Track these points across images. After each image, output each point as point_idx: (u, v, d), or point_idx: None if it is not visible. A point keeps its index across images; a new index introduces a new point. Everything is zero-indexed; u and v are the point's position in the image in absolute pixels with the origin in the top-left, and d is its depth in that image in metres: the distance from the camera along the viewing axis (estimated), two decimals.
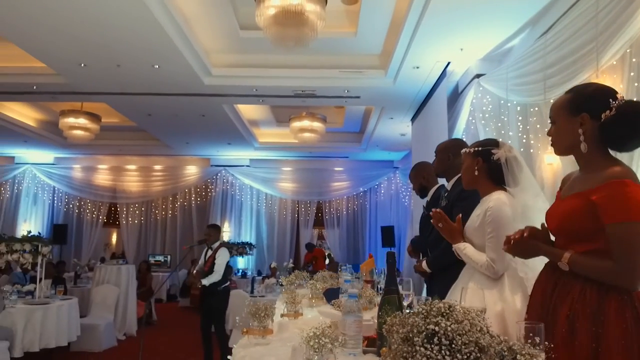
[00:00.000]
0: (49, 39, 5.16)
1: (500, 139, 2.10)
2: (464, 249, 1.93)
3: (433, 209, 2.05)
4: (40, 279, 5.44)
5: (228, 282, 5.14)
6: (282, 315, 1.90)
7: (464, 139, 5.64)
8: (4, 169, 11.71)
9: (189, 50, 5.57)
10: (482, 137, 5.20)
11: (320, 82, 6.48)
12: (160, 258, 11.04)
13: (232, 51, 6.11)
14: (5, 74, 6.42)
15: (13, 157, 11.71)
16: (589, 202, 1.40)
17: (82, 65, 5.83)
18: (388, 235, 10.28)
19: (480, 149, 2.01)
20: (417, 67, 5.79)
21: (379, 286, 2.74)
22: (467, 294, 1.53)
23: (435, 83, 6.27)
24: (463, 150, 2.08)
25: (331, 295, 2.28)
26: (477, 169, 1.98)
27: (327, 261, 11.42)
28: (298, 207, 11.68)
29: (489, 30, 4.78)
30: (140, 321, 7.18)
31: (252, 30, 5.47)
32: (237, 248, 9.94)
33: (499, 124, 4.82)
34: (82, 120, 8.18)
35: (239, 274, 9.97)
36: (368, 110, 8.57)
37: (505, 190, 1.96)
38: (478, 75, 5.32)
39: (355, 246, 11.57)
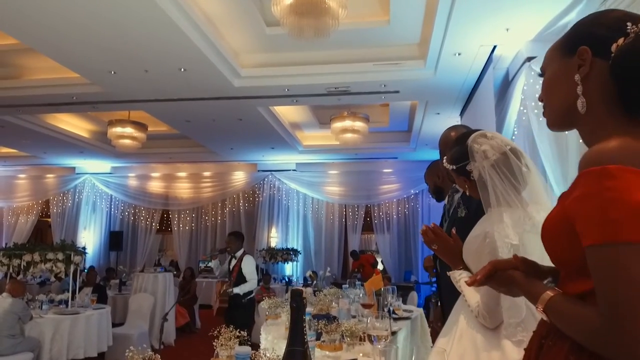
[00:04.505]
0: (77, 49, 5.16)
1: (482, 130, 1.53)
2: (459, 279, 1.43)
3: (424, 225, 1.57)
4: (74, 289, 5.45)
5: (253, 294, 4.85)
6: None
7: (515, 132, 5.00)
8: (66, 179, 12.30)
9: (213, 51, 5.37)
10: (535, 130, 4.52)
11: (354, 77, 6.04)
12: (211, 264, 11.02)
13: (260, 50, 5.83)
14: (46, 86, 6.59)
15: (74, 168, 12.27)
16: (563, 209, 0.86)
17: (112, 72, 5.81)
18: None
19: (455, 167, 1.52)
20: (459, 54, 5.19)
21: (388, 308, 2.29)
22: (456, 338, 1.07)
23: (483, 70, 5.62)
24: (444, 164, 1.60)
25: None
26: (467, 187, 1.53)
27: (380, 267, 10.91)
28: (345, 211, 11.24)
29: (537, 4, 4.12)
30: (179, 330, 7.10)
31: (278, 27, 5.15)
32: (282, 254, 9.68)
33: None
34: (129, 130, 8.29)
35: (283, 281, 9.70)
36: (414, 107, 7.99)
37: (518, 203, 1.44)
38: (529, 59, 4.65)
39: (407, 252, 10.91)
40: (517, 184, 1.44)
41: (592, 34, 0.91)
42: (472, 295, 1.39)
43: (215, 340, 1.31)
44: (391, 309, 2.29)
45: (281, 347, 1.73)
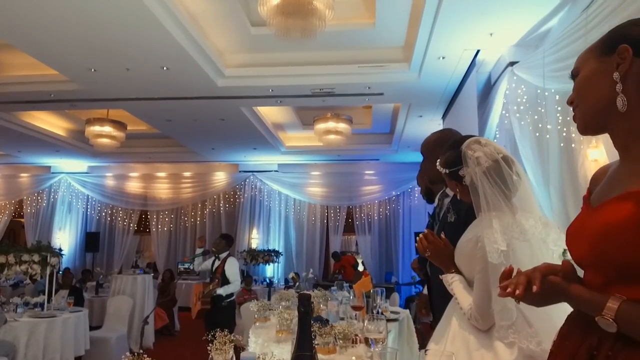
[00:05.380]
0: (56, 45, 5.03)
1: (476, 137, 1.58)
2: (451, 282, 1.44)
3: (419, 235, 1.59)
4: (50, 291, 5.30)
5: (234, 296, 4.81)
6: None
7: (497, 135, 5.08)
8: (41, 179, 11.97)
9: (196, 50, 5.29)
10: (517, 133, 4.60)
11: (339, 79, 6.05)
12: (189, 265, 10.88)
13: (244, 50, 5.79)
14: (23, 83, 6.40)
15: (49, 167, 11.96)
16: None
17: (93, 70, 5.68)
18: None
19: (448, 171, 1.55)
20: (443, 58, 5.25)
21: (377, 310, 2.29)
22: (449, 340, 1.07)
23: (465, 74, 5.69)
24: (437, 167, 1.62)
25: None
26: (458, 191, 1.56)
27: (361, 268, 10.95)
28: (327, 212, 11.23)
29: (520, 10, 4.20)
30: (158, 332, 6.99)
31: (264, 27, 5.12)
32: (263, 256, 9.62)
33: (536, 117, 4.22)
34: (108, 129, 8.12)
35: (264, 282, 9.64)
36: (396, 109, 8.05)
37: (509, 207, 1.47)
38: (512, 64, 4.73)
39: (388, 253, 10.96)
40: (507, 191, 1.47)
41: (632, 35, 0.90)
42: (464, 298, 1.41)
43: (210, 344, 1.29)
44: (380, 310, 2.30)
45: (272, 351, 1.71)
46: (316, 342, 1.57)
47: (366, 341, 1.32)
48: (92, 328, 5.80)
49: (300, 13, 4.08)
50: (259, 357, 1.10)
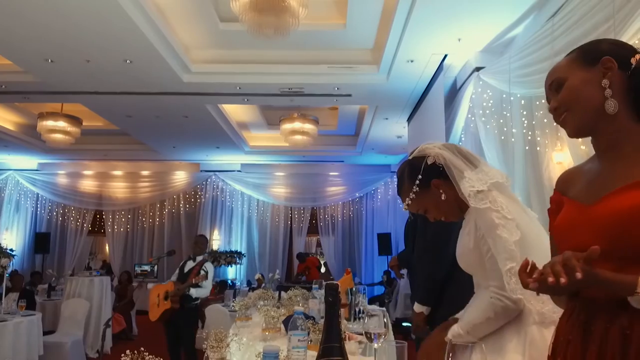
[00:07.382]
0: (10, 33, 4.73)
1: (427, 143, 1.60)
2: (458, 330, 1.39)
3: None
4: (0, 294, 4.99)
5: (198, 301, 4.70)
6: None
7: (463, 139, 5.22)
8: None
9: (162, 43, 5.13)
10: (482, 136, 4.73)
11: (308, 78, 6.03)
12: (147, 267, 10.53)
13: (212, 46, 5.66)
14: None
15: None
16: None
17: (49, 61, 5.39)
18: (385, 242, 9.79)
19: (421, 177, 1.53)
20: (412, 61, 5.34)
21: (357, 309, 2.29)
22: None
23: (432, 78, 5.81)
24: (407, 200, 1.58)
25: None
26: (442, 192, 1.53)
27: (323, 269, 10.96)
28: (291, 213, 11.18)
29: (488, 17, 4.34)
30: (115, 337, 6.72)
31: (233, 23, 5.03)
32: (226, 257, 9.45)
33: (501, 121, 4.36)
34: (62, 124, 7.71)
35: (227, 284, 9.46)
36: (362, 111, 8.13)
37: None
38: (478, 69, 4.88)
39: (351, 254, 11.05)
40: (472, 161, 1.52)
41: (613, 51, 1.02)
42: (477, 309, 1.38)
43: (205, 342, 1.23)
44: (361, 308, 2.30)
45: (257, 350, 1.66)
46: (310, 339, 1.54)
47: (368, 336, 1.31)
48: (44, 333, 5.50)
49: (274, 10, 4.03)
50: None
